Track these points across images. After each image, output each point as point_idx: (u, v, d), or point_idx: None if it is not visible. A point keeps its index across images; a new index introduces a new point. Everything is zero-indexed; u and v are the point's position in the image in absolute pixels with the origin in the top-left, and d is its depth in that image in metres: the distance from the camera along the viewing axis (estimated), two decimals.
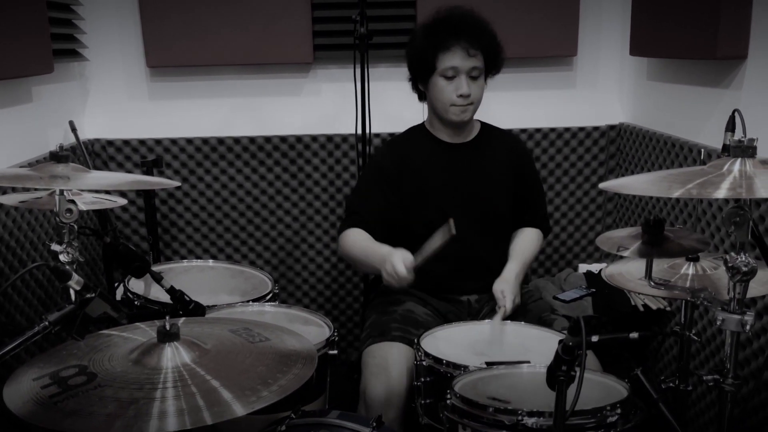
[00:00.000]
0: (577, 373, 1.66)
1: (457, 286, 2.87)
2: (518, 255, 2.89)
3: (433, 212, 2.82)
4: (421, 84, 2.83)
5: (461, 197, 2.86)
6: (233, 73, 3.88)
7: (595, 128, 3.96)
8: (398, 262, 2.52)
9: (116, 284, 2.87)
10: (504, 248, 2.96)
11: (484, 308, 2.89)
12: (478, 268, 2.87)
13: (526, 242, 2.97)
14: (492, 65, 2.80)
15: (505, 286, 2.72)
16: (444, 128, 2.87)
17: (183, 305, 2.26)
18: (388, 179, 2.86)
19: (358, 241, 2.79)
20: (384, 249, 2.65)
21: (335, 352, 2.46)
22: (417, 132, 2.95)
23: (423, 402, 2.36)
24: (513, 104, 3.87)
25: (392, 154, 2.92)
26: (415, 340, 2.45)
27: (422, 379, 2.34)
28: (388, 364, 2.57)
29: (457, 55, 2.70)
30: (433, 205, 2.83)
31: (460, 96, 2.73)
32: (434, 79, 2.74)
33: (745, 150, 1.67)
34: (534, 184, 3.07)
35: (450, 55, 2.70)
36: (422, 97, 2.90)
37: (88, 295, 1.59)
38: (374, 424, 2.00)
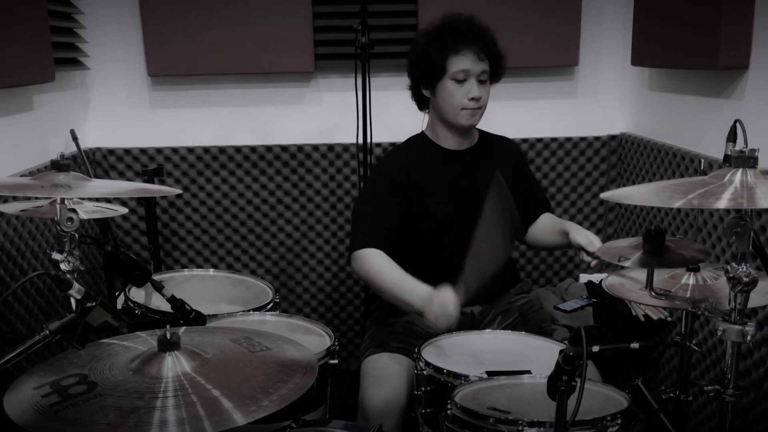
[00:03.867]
0: (578, 384, 1.66)
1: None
2: (568, 223, 2.88)
3: (437, 221, 2.81)
4: (427, 89, 2.80)
5: (467, 205, 2.80)
6: (234, 82, 3.89)
7: (597, 138, 3.96)
8: (449, 302, 2.36)
9: (117, 293, 2.87)
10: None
11: (486, 318, 2.88)
12: None
13: (559, 220, 3.00)
14: (495, 71, 2.79)
15: (583, 232, 2.69)
16: (448, 135, 2.85)
17: (184, 314, 2.25)
18: (397, 189, 2.79)
19: (384, 269, 2.64)
20: (422, 287, 2.49)
21: (336, 361, 2.45)
22: (418, 141, 2.92)
23: (423, 411, 2.35)
24: (515, 114, 3.87)
25: (398, 162, 2.86)
26: (416, 350, 2.45)
27: (423, 389, 2.33)
28: (386, 373, 2.56)
29: (468, 59, 2.70)
30: (438, 214, 2.81)
31: (472, 99, 2.72)
32: (444, 82, 2.72)
33: (747, 160, 1.67)
34: (533, 180, 3.13)
35: (461, 58, 2.69)
36: (423, 105, 2.87)
37: (89, 304, 1.59)
38: None
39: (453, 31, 2.72)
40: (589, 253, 2.60)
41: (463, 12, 2.78)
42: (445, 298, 2.37)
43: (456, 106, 2.74)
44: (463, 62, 2.70)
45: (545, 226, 2.99)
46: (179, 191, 2.30)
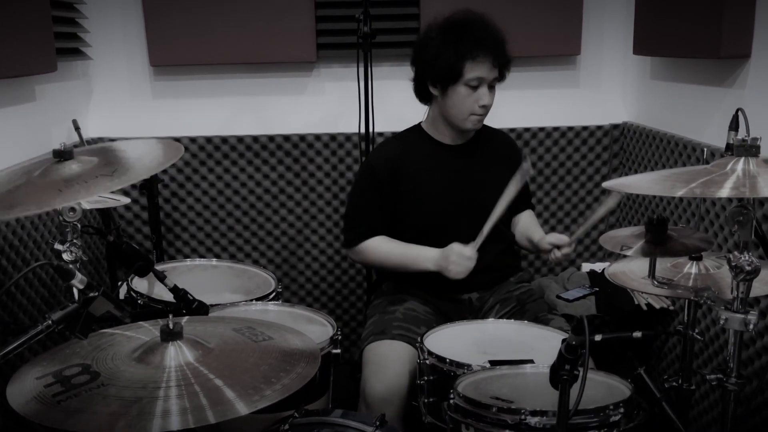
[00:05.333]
0: (581, 373, 1.66)
1: (457, 285, 2.83)
2: (539, 231, 2.96)
3: (429, 215, 2.84)
4: (437, 89, 2.77)
5: (459, 198, 2.85)
6: (236, 71, 3.89)
7: (599, 127, 3.96)
8: (461, 248, 2.63)
9: (119, 283, 2.87)
10: (502, 246, 2.94)
11: (485, 306, 2.89)
12: (478, 267, 2.84)
13: (535, 223, 3.06)
14: (502, 75, 2.80)
15: (554, 236, 2.77)
16: (448, 131, 2.86)
17: (186, 304, 2.25)
18: (381, 183, 2.84)
19: (386, 252, 2.85)
20: (428, 251, 2.74)
21: (338, 351, 2.46)
22: (414, 133, 2.94)
23: (426, 401, 2.36)
24: (517, 103, 3.86)
25: (385, 157, 2.90)
26: (419, 339, 2.45)
27: (425, 378, 2.34)
28: (388, 362, 2.57)
29: (485, 67, 2.68)
30: (429, 207, 2.84)
31: (482, 106, 2.73)
32: (457, 87, 2.71)
33: (749, 149, 1.67)
34: None
35: (478, 65, 2.67)
36: (428, 100, 2.86)
37: (92, 294, 1.59)
38: (377, 423, 2.00)
39: (471, 36, 2.69)
40: (559, 247, 2.73)
41: (474, 10, 2.74)
42: (458, 248, 2.64)
43: (466, 111, 2.74)
44: (479, 70, 2.68)
45: (521, 224, 3.05)
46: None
